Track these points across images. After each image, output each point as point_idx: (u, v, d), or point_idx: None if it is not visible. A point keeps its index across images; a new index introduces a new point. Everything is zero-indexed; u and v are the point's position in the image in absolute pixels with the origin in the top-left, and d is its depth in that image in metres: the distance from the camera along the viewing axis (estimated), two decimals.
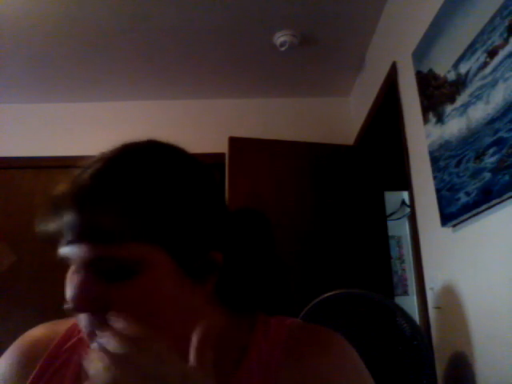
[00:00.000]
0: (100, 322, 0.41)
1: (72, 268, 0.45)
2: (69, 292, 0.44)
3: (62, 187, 0.45)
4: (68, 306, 0.43)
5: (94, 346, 0.40)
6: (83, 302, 0.42)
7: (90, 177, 0.45)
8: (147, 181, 0.45)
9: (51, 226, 0.44)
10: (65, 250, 0.44)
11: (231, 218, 0.57)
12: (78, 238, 0.42)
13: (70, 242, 0.43)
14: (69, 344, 0.54)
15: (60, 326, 0.57)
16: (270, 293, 0.58)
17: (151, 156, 0.49)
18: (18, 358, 0.55)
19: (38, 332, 0.58)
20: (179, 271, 0.45)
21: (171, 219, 0.45)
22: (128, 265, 0.42)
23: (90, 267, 0.43)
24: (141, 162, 0.47)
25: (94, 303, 0.42)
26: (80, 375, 0.52)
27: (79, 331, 0.55)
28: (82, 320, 0.44)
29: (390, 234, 2.69)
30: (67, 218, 0.42)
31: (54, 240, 0.45)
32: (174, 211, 0.45)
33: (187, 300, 0.47)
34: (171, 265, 0.44)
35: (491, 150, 1.09)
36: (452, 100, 1.31)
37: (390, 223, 2.90)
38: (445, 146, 1.36)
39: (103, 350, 0.37)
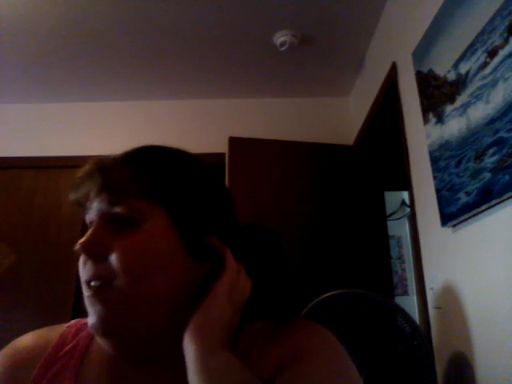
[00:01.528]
0: (94, 268, 0.48)
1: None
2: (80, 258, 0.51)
3: (81, 170, 0.55)
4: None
5: (85, 294, 0.49)
6: (89, 244, 0.48)
7: (113, 155, 0.55)
8: (159, 158, 0.55)
9: (80, 190, 0.53)
10: (89, 207, 0.52)
11: (247, 231, 0.62)
12: (99, 192, 0.51)
13: (93, 198, 0.51)
14: (66, 349, 0.55)
15: (51, 333, 0.57)
16: (278, 303, 0.60)
17: (164, 148, 0.58)
18: (9, 366, 0.54)
19: (28, 339, 0.57)
20: (178, 238, 0.51)
21: (180, 191, 0.52)
22: (132, 215, 0.49)
23: (104, 217, 0.50)
24: (155, 150, 0.57)
25: (98, 246, 0.48)
26: (78, 379, 0.52)
27: (73, 337, 0.56)
28: (86, 268, 0.49)
29: (390, 233, 2.69)
30: (93, 180, 0.52)
31: (81, 204, 0.53)
32: (183, 186, 0.53)
33: (176, 267, 0.51)
34: (170, 229, 0.51)
35: (491, 150, 1.09)
36: (452, 100, 1.31)
37: (389, 223, 2.90)
38: (445, 146, 1.36)
39: (90, 295, 0.48)
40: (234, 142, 2.51)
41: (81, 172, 0.54)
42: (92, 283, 0.48)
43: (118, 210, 0.49)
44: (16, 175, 2.75)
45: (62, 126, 2.89)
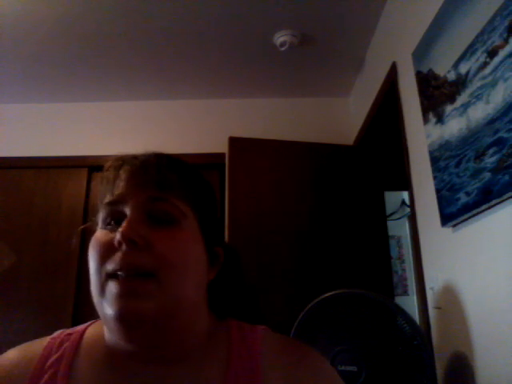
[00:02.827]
0: (136, 256, 0.48)
1: (100, 231, 0.53)
2: (94, 249, 0.51)
3: (118, 159, 0.56)
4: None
5: (113, 285, 0.48)
6: (133, 232, 0.48)
7: (151, 154, 0.57)
8: (193, 171, 0.59)
9: (122, 183, 0.53)
10: (122, 194, 0.52)
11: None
12: (145, 184, 0.53)
13: (133, 187, 0.52)
14: (52, 360, 0.54)
15: (35, 346, 0.57)
16: (245, 305, 0.69)
17: (192, 165, 0.61)
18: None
19: (13, 354, 0.57)
20: (202, 241, 0.56)
21: (204, 201, 0.58)
22: (175, 212, 0.52)
23: (142, 209, 0.51)
24: (187, 164, 0.60)
25: (140, 237, 0.49)
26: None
27: (58, 348, 0.56)
28: (117, 257, 0.49)
29: (390, 233, 2.69)
30: (142, 171, 0.53)
31: (113, 195, 0.53)
32: (206, 197, 0.59)
33: (202, 267, 0.55)
34: (199, 231, 0.55)
35: (491, 150, 1.09)
36: (452, 100, 1.31)
37: (389, 223, 2.90)
38: (445, 146, 1.36)
39: (124, 285, 0.47)
40: (234, 141, 2.51)
41: (124, 161, 0.55)
42: (120, 273, 0.47)
43: (165, 206, 0.52)
44: (16, 175, 2.74)
45: (62, 126, 2.89)
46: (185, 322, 0.52)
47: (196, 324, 0.55)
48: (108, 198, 0.53)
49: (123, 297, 0.47)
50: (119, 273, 0.48)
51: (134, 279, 0.47)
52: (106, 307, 0.48)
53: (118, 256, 0.48)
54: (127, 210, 0.51)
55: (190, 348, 0.54)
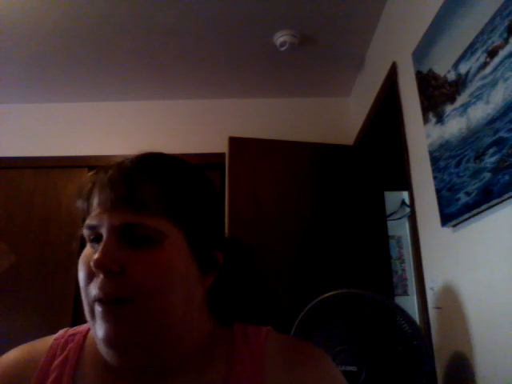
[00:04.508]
0: (113, 285, 0.47)
1: (88, 247, 0.51)
2: (80, 269, 0.50)
3: (94, 174, 0.53)
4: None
5: (99, 310, 0.47)
6: (106, 261, 0.46)
7: (131, 162, 0.53)
8: (176, 173, 0.54)
9: (95, 196, 0.51)
10: (97, 218, 0.49)
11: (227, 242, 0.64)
12: (117, 205, 0.49)
13: (106, 210, 0.49)
14: (57, 361, 0.54)
15: (38, 346, 0.57)
16: (256, 308, 0.65)
17: (181, 163, 0.57)
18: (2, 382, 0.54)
19: (16, 355, 0.56)
20: (191, 254, 0.52)
21: (193, 208, 0.53)
22: (153, 234, 0.48)
23: (117, 233, 0.48)
24: (169, 161, 0.56)
25: (115, 264, 0.47)
26: None
27: (62, 349, 0.56)
28: (98, 284, 0.47)
29: (390, 234, 2.69)
30: (112, 190, 0.49)
31: (87, 214, 0.51)
32: (195, 202, 0.54)
33: (192, 282, 0.53)
34: (186, 246, 0.51)
35: (491, 150, 1.09)
36: (452, 100, 1.31)
37: (389, 223, 2.90)
38: (445, 145, 1.36)
39: (107, 311, 0.47)
40: (233, 141, 2.51)
41: (97, 175, 0.52)
42: (104, 299, 0.47)
43: (140, 231, 0.48)
44: (16, 175, 2.75)
45: (62, 126, 2.89)
46: (176, 337, 0.51)
47: (191, 333, 0.53)
48: (86, 221, 0.51)
49: (108, 322, 0.47)
50: (103, 299, 0.47)
51: (114, 305, 0.47)
52: (96, 330, 0.48)
53: (97, 282, 0.48)
54: (103, 233, 0.49)
55: (187, 357, 0.53)
